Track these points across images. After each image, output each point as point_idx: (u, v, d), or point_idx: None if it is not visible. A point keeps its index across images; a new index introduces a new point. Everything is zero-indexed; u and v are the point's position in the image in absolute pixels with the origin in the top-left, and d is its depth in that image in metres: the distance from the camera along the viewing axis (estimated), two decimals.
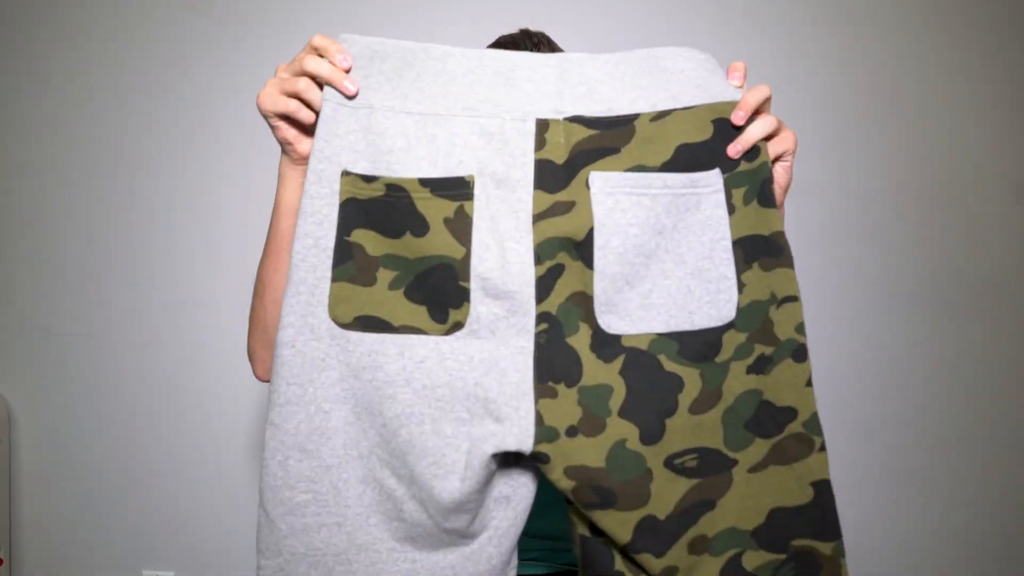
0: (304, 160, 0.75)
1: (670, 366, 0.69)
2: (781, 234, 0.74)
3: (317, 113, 0.71)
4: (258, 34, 1.47)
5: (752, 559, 0.71)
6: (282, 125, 0.73)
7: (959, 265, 1.50)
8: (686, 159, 0.71)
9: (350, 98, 0.70)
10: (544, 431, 0.68)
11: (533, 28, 1.07)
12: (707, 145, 0.71)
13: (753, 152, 0.73)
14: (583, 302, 0.70)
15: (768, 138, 0.75)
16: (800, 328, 0.71)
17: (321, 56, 0.72)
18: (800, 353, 0.71)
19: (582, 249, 0.69)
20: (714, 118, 0.71)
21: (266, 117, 0.74)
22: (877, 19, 1.47)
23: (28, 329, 1.52)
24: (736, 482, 0.70)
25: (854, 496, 1.53)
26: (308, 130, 0.74)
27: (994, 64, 1.48)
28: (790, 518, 0.72)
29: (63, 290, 1.51)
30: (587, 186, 0.69)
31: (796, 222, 1.49)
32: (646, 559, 0.68)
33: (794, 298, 0.71)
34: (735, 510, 0.70)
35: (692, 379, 0.70)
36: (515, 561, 0.75)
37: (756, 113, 0.74)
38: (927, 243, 1.50)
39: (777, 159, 0.77)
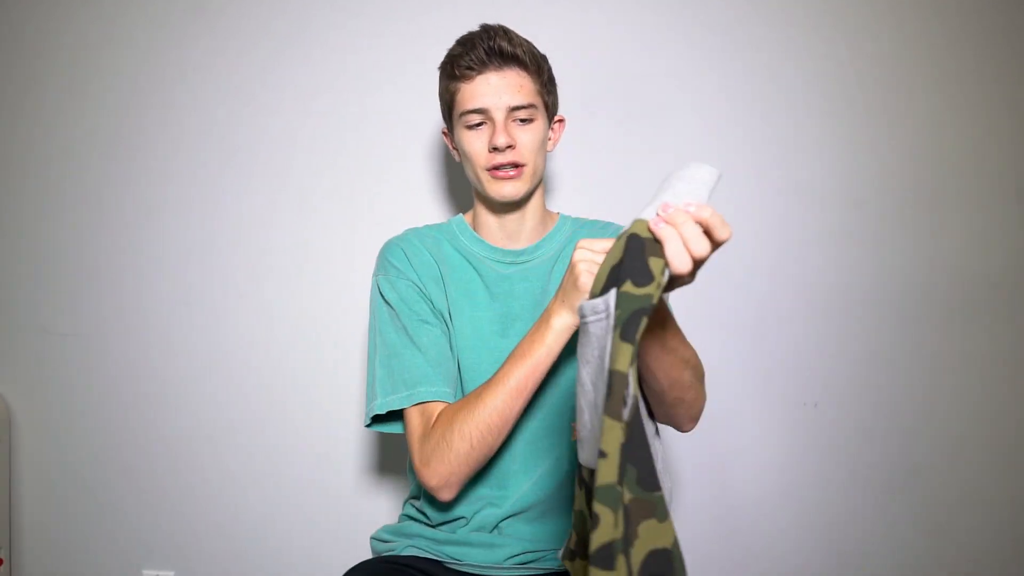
0: None
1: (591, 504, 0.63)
2: (620, 375, 0.61)
3: None
4: (258, 35, 1.47)
5: None
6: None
7: (959, 265, 1.50)
8: (609, 283, 0.66)
9: None
10: None
11: (525, 26, 1.09)
12: (620, 264, 0.65)
13: (646, 277, 0.63)
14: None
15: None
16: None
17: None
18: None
19: None
20: (628, 235, 0.66)
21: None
22: (876, 18, 1.47)
23: (28, 329, 1.52)
24: None
25: (854, 496, 1.53)
26: None
27: (994, 63, 1.48)
28: None
29: (63, 290, 1.51)
30: None
31: (796, 223, 1.50)
32: None
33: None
34: None
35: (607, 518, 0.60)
36: None
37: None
38: (927, 243, 1.50)
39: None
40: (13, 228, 1.51)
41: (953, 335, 1.51)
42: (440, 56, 1.11)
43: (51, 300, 1.51)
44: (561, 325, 0.88)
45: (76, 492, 1.54)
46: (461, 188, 1.48)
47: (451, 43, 1.11)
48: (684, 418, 0.94)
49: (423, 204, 1.48)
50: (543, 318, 0.90)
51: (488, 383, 0.94)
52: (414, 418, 0.99)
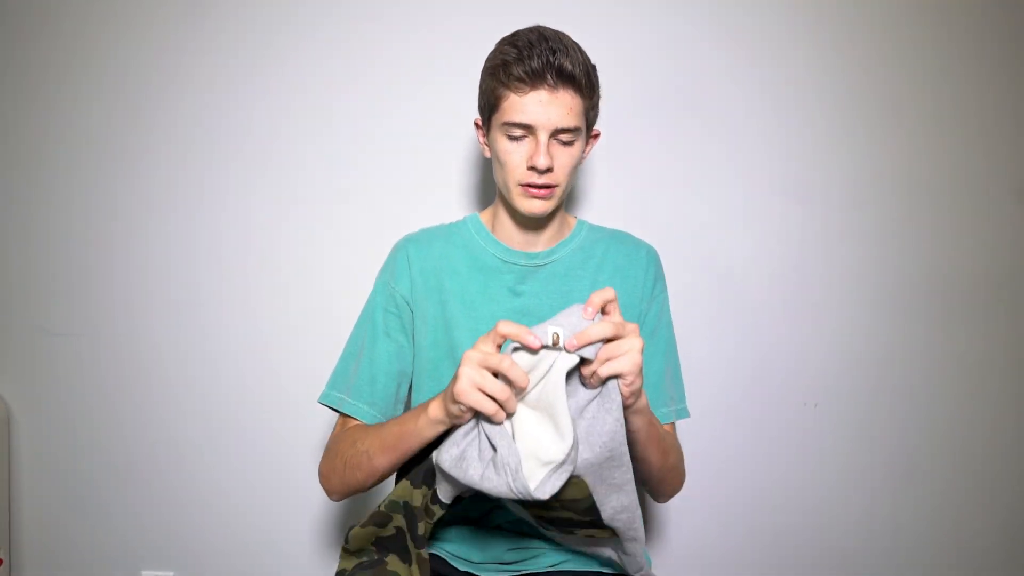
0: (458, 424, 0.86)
1: None
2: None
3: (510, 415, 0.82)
4: (259, 34, 1.47)
5: None
6: (467, 414, 0.83)
7: (959, 265, 1.50)
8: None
9: None
10: None
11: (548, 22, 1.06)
12: None
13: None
14: None
15: (607, 342, 0.82)
16: None
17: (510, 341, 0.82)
18: None
19: None
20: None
21: (457, 403, 0.82)
22: (876, 18, 1.47)
23: (28, 329, 1.51)
24: None
25: (854, 496, 1.53)
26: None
27: (994, 63, 1.48)
28: None
29: (63, 290, 1.51)
30: None
31: (797, 223, 1.50)
32: None
33: None
34: None
35: None
36: None
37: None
38: (927, 243, 1.50)
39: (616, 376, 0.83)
40: (12, 228, 1.51)
41: (953, 335, 1.51)
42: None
43: (50, 300, 1.51)
44: (434, 419, 0.89)
45: (75, 492, 1.54)
46: (469, 187, 1.48)
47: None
48: (664, 496, 1.13)
49: (425, 203, 1.48)
50: (422, 407, 0.92)
51: (379, 428, 0.99)
52: (337, 422, 1.12)
